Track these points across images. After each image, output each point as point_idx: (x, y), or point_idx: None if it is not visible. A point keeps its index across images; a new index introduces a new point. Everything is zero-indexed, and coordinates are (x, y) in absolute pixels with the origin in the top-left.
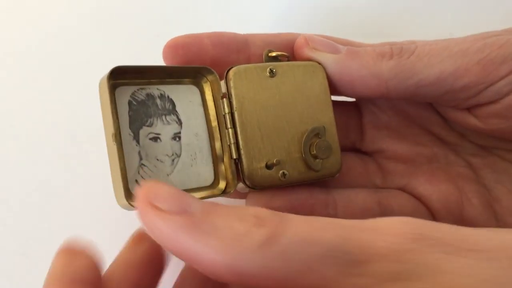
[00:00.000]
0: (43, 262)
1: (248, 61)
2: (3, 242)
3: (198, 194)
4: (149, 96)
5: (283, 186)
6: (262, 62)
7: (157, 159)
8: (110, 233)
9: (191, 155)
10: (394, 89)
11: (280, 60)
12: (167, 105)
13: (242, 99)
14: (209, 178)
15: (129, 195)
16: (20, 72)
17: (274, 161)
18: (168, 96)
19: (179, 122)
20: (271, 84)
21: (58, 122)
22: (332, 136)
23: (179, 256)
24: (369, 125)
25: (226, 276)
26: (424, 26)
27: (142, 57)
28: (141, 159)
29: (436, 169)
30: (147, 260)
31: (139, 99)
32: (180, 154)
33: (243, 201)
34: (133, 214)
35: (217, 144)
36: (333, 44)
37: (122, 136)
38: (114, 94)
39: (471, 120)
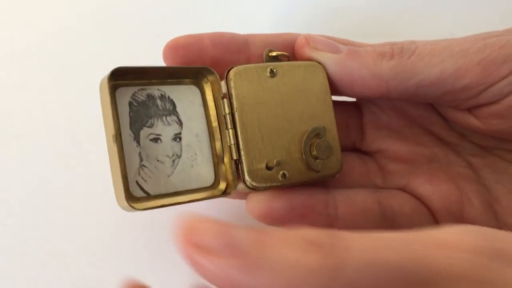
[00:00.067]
0: (43, 262)
1: (248, 61)
2: (3, 242)
3: (199, 195)
4: (150, 96)
5: (283, 187)
6: (263, 62)
7: (158, 160)
8: (110, 233)
9: (191, 156)
10: (394, 89)
11: (280, 60)
12: (168, 105)
13: (243, 100)
14: (209, 178)
15: (129, 196)
16: (20, 72)
17: (275, 162)
18: (168, 97)
19: (180, 123)
20: (271, 84)
21: (58, 122)
22: (333, 136)
23: None
24: (370, 125)
25: None
26: (424, 26)
27: (142, 57)
28: (141, 160)
29: (436, 169)
30: None
31: (139, 100)
32: (180, 155)
33: (243, 201)
34: (133, 215)
35: (218, 145)
36: (334, 44)
37: (122, 137)
38: (114, 95)
39: (471, 120)
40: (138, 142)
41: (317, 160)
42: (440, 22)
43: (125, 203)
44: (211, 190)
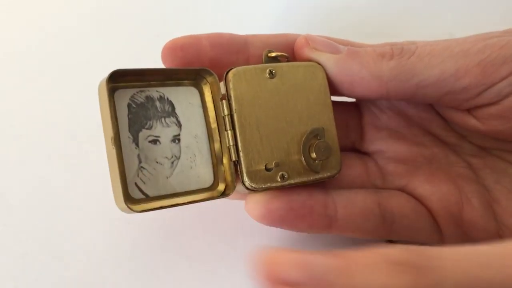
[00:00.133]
0: (43, 262)
1: (247, 62)
2: (3, 242)
3: (198, 196)
4: (149, 98)
5: (282, 188)
6: (262, 62)
7: (157, 162)
8: (110, 233)
9: (190, 157)
10: (394, 89)
11: (279, 61)
12: (167, 107)
13: (241, 101)
14: (208, 180)
15: (127, 198)
16: (20, 72)
17: (273, 163)
18: (167, 98)
19: (179, 124)
20: (270, 85)
21: (58, 122)
22: (332, 137)
23: None
24: (369, 125)
25: None
26: (424, 26)
27: (142, 57)
28: (140, 162)
29: (436, 169)
30: None
31: (138, 102)
32: (179, 156)
33: (242, 202)
34: (133, 215)
35: (217, 146)
36: (333, 44)
37: (121, 139)
38: (113, 98)
39: (471, 121)
40: (137, 144)
41: (316, 161)
42: (440, 22)
43: (123, 205)
44: (210, 191)
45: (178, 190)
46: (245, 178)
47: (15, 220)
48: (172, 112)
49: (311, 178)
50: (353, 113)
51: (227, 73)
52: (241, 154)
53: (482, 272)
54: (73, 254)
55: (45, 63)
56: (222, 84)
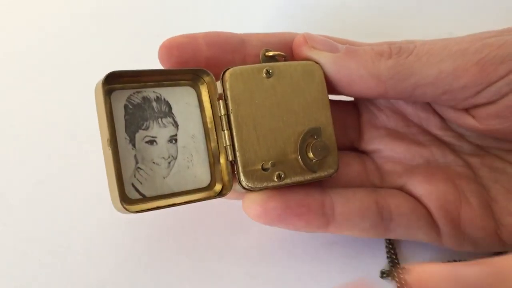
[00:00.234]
0: (43, 262)
1: (244, 61)
2: (3, 242)
3: (195, 196)
4: (145, 99)
5: (279, 187)
6: (259, 61)
7: (153, 162)
8: (110, 233)
9: (187, 157)
10: (392, 88)
11: (277, 60)
12: (163, 107)
13: (238, 101)
14: (205, 179)
15: (124, 198)
16: (20, 72)
17: (270, 163)
18: (164, 99)
19: (176, 125)
20: (267, 85)
21: (58, 122)
22: (329, 136)
23: None
24: (368, 124)
25: None
26: (424, 26)
27: (142, 56)
28: (137, 162)
29: (434, 168)
30: None
31: (135, 103)
32: (176, 157)
33: (239, 202)
34: (132, 215)
35: (214, 146)
36: (332, 43)
37: (118, 140)
38: (109, 99)
39: (469, 120)
40: (134, 145)
41: (313, 161)
42: (440, 22)
43: (119, 205)
44: (207, 191)
45: (175, 190)
46: (242, 178)
47: (15, 220)
48: (169, 113)
49: (308, 177)
50: (351, 112)
51: (224, 73)
52: (237, 154)
53: None
54: (73, 254)
55: (45, 63)
56: (219, 83)
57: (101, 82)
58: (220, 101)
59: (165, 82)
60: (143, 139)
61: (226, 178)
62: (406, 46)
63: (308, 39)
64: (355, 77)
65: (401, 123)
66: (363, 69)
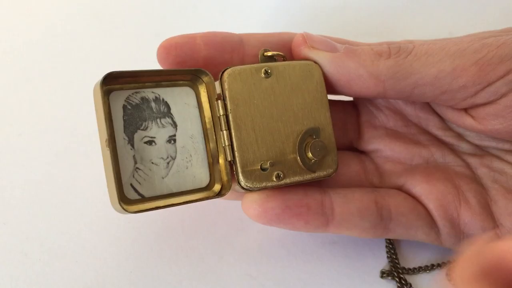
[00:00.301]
0: (43, 262)
1: (242, 60)
2: (3, 242)
3: (193, 196)
4: (144, 99)
5: (278, 187)
6: (258, 62)
7: (152, 163)
8: (110, 233)
9: (186, 158)
10: (391, 88)
11: (276, 60)
12: (162, 108)
13: (237, 101)
14: (204, 180)
15: (122, 199)
16: (21, 71)
17: (269, 163)
18: (163, 99)
19: (174, 125)
20: (266, 85)
21: (58, 122)
22: (328, 136)
23: None
24: (367, 124)
25: None
26: (424, 26)
27: (142, 56)
28: (135, 163)
29: (433, 168)
30: None
31: (133, 103)
32: (175, 157)
33: (238, 202)
34: (132, 215)
35: (213, 146)
36: (331, 43)
37: (116, 140)
38: (108, 100)
39: (468, 120)
40: (132, 145)
41: (312, 161)
42: (439, 22)
43: (118, 206)
44: (206, 191)
45: (174, 190)
46: (241, 178)
47: (15, 219)
48: (167, 113)
49: (307, 177)
50: (351, 112)
51: (222, 73)
52: (236, 154)
53: None
54: (73, 254)
55: (46, 63)
56: (217, 83)
57: (99, 82)
58: (219, 101)
59: (163, 83)
60: (142, 139)
61: (225, 178)
62: (405, 46)
63: (307, 38)
64: (354, 77)
65: (400, 123)
66: (362, 69)
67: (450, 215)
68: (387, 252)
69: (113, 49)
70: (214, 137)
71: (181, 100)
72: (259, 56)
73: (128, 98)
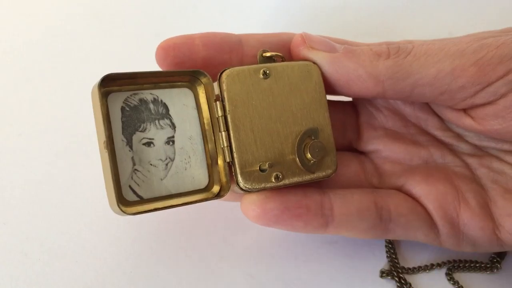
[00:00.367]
0: (43, 262)
1: (241, 61)
2: (3, 242)
3: (192, 198)
4: (142, 101)
5: (278, 188)
6: (257, 62)
7: (151, 164)
8: (110, 233)
9: (185, 159)
10: (391, 88)
11: (274, 61)
12: (160, 109)
13: (235, 102)
14: (203, 181)
15: (120, 200)
16: (21, 71)
17: (267, 165)
18: (161, 101)
19: (173, 126)
20: (264, 85)
21: (58, 122)
22: (327, 136)
23: None
24: (366, 124)
25: None
26: (424, 26)
27: (142, 56)
28: (134, 164)
29: (432, 169)
30: None
31: (132, 105)
32: (173, 158)
33: (237, 204)
34: (132, 216)
35: (211, 147)
36: (330, 43)
37: (115, 142)
38: (106, 101)
39: (467, 120)
40: (131, 147)
41: (311, 161)
42: (439, 22)
43: (116, 207)
44: (205, 193)
45: (173, 191)
46: (240, 179)
47: (15, 219)
48: (166, 114)
49: (306, 178)
50: (350, 112)
51: (221, 74)
52: (235, 155)
53: None
54: (73, 254)
55: (47, 63)
56: (216, 84)
57: (97, 84)
58: (217, 102)
59: (162, 84)
60: (140, 141)
61: (224, 179)
62: (404, 47)
63: (306, 39)
64: (353, 77)
65: (399, 123)
66: (362, 69)
67: (449, 215)
68: (386, 252)
69: (113, 49)
70: (213, 138)
71: (180, 102)
72: (257, 57)
73: (126, 100)
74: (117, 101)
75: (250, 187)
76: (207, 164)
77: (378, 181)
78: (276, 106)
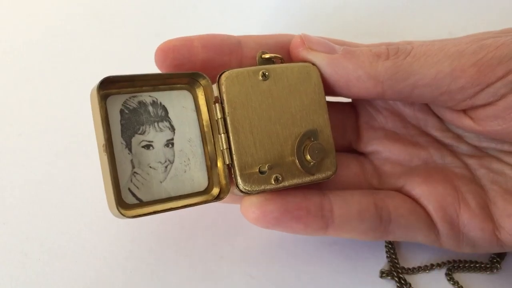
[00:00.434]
0: (43, 262)
1: (240, 62)
2: (3, 242)
3: (192, 200)
4: (141, 103)
5: (277, 190)
6: (256, 64)
7: (150, 167)
8: (110, 233)
9: (184, 161)
10: (390, 89)
11: (274, 62)
12: (160, 112)
13: (235, 104)
14: (203, 183)
15: (120, 203)
16: (21, 71)
17: (267, 167)
18: (160, 103)
19: (172, 129)
20: (264, 87)
21: (58, 123)
22: (327, 138)
23: None
24: (366, 125)
25: None
26: (424, 26)
27: (142, 56)
28: (133, 167)
29: (432, 170)
30: None
31: (131, 107)
32: (173, 161)
33: (237, 206)
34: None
35: (211, 149)
36: (329, 44)
37: (114, 145)
38: (105, 104)
39: (467, 121)
40: (130, 150)
41: (311, 163)
42: (439, 22)
43: (116, 211)
44: (205, 195)
45: (172, 194)
46: (239, 181)
47: (15, 219)
48: (165, 117)
49: (306, 180)
50: (349, 113)
51: (220, 76)
52: (234, 157)
53: None
54: (73, 254)
55: (47, 63)
56: (215, 86)
57: (96, 87)
58: (217, 104)
59: (161, 86)
60: (140, 143)
61: (223, 181)
62: (403, 47)
63: (305, 40)
64: (353, 78)
65: (399, 124)
66: (361, 70)
67: (449, 216)
68: (386, 252)
69: (113, 49)
70: (212, 141)
71: (179, 104)
72: (257, 59)
73: (125, 102)
74: (116, 104)
75: (249, 189)
76: (207, 167)
77: (378, 182)
78: (275, 108)
